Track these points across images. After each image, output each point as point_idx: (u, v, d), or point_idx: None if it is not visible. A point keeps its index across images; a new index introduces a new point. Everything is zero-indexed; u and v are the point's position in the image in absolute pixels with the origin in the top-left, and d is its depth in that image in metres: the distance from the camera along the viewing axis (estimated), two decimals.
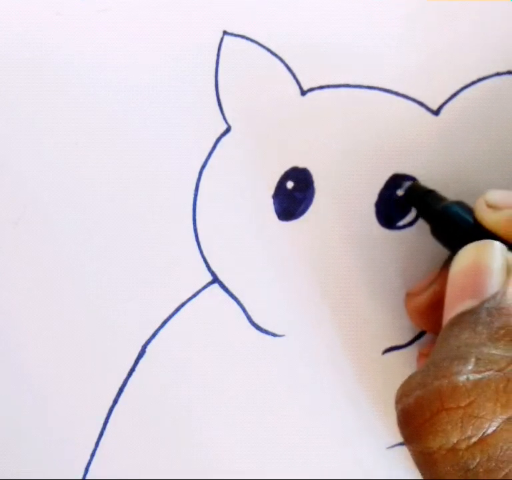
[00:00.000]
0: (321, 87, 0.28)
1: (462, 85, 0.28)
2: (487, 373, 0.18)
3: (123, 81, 0.27)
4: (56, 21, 0.27)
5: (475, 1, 0.28)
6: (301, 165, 0.28)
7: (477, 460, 0.18)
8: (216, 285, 0.29)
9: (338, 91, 0.28)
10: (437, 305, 0.24)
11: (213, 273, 0.29)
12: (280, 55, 0.28)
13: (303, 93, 0.28)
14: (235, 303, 0.29)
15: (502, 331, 0.19)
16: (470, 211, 0.25)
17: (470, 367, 0.18)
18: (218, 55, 0.28)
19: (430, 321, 0.26)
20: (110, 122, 0.28)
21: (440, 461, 0.18)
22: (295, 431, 0.29)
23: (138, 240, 0.28)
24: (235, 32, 0.28)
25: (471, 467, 0.18)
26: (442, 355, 0.19)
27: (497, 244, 0.21)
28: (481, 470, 0.18)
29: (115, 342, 0.28)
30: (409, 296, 0.27)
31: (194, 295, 0.28)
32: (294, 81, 0.28)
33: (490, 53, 0.28)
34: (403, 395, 0.19)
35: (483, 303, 0.20)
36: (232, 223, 0.28)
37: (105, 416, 0.28)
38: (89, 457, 0.28)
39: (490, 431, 0.18)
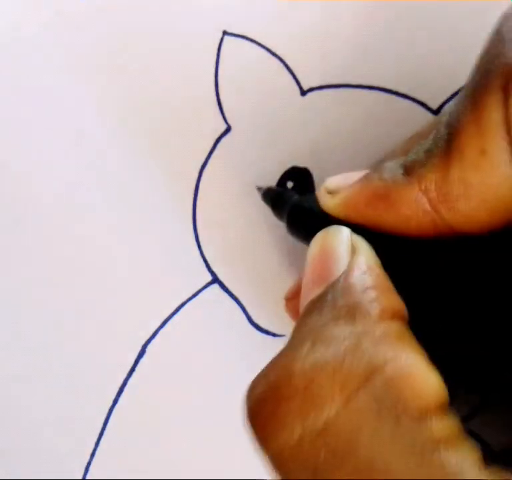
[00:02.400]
0: (321, 87, 0.28)
1: (462, 85, 0.28)
2: (322, 353, 0.17)
3: (122, 80, 0.27)
4: (56, 21, 0.27)
5: (475, 0, 0.28)
6: (301, 165, 0.28)
7: (324, 451, 0.16)
8: (216, 285, 0.29)
9: (338, 91, 0.28)
10: None
11: (212, 273, 0.29)
12: (280, 55, 0.28)
13: (303, 93, 0.28)
14: (235, 303, 0.29)
15: (344, 309, 0.18)
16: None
17: (305, 350, 0.17)
18: (218, 55, 0.28)
19: None
20: (110, 122, 0.28)
21: (289, 460, 0.17)
22: None
23: (138, 240, 0.28)
24: (235, 32, 0.28)
25: (319, 460, 0.16)
26: (288, 343, 0.18)
27: (340, 228, 0.21)
28: (329, 462, 0.16)
29: (114, 342, 0.28)
30: (286, 300, 0.27)
31: (194, 295, 0.28)
32: (294, 81, 0.28)
33: None
34: (248, 392, 0.18)
35: (329, 287, 0.19)
36: (232, 223, 0.29)
37: (105, 416, 0.28)
38: (88, 457, 0.28)
39: (331, 414, 0.16)
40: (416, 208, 0.20)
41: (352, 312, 0.18)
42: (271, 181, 0.28)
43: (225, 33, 0.28)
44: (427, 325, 0.19)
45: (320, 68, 0.28)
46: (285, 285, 0.29)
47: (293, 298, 0.27)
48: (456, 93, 0.28)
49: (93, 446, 0.28)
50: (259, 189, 0.28)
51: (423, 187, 0.20)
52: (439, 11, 0.28)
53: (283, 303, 0.29)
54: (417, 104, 0.29)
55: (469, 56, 0.29)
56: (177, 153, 0.28)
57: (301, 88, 0.28)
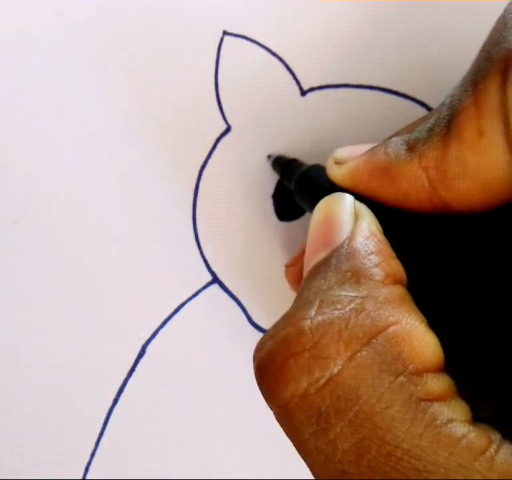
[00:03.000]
0: (321, 87, 0.28)
1: None
2: (329, 314, 0.18)
3: (122, 80, 0.27)
4: (56, 21, 0.27)
5: (475, 0, 0.28)
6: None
7: (327, 402, 0.18)
8: (216, 285, 0.29)
9: (338, 91, 0.28)
10: None
11: (212, 273, 0.29)
12: (280, 55, 0.28)
13: (303, 93, 0.28)
14: (235, 303, 0.29)
15: (349, 274, 0.19)
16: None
17: (313, 311, 0.19)
18: (218, 55, 0.28)
19: None
20: (110, 122, 0.28)
21: (294, 410, 0.18)
22: None
23: (138, 240, 0.28)
24: (235, 32, 0.28)
25: (323, 409, 0.18)
26: (296, 303, 0.20)
27: (344, 195, 0.22)
28: (332, 411, 0.18)
29: (115, 342, 0.28)
30: (287, 268, 0.28)
31: (194, 295, 0.29)
32: (294, 81, 0.28)
33: None
34: (256, 351, 0.19)
35: (333, 251, 0.20)
36: (232, 223, 0.29)
37: (105, 416, 0.28)
38: (88, 457, 0.28)
39: (336, 370, 0.18)
40: (415, 184, 0.21)
41: (356, 276, 0.19)
42: (271, 181, 0.28)
43: (225, 33, 0.28)
44: (423, 294, 0.20)
45: (320, 68, 0.28)
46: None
47: (293, 264, 0.27)
48: None
49: (93, 446, 0.28)
50: (269, 157, 0.28)
51: (423, 164, 0.20)
52: (439, 10, 0.28)
53: (282, 302, 0.29)
54: (417, 104, 0.29)
55: (469, 56, 0.29)
56: (177, 152, 0.28)
57: (300, 88, 0.28)
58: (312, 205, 0.23)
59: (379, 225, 0.21)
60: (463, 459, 0.17)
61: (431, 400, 0.17)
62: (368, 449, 0.17)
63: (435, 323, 0.19)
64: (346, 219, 0.21)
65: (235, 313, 0.29)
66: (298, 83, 0.28)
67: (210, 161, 0.28)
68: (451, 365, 0.18)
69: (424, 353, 0.18)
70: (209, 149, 0.28)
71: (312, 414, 0.18)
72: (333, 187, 0.23)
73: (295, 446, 0.19)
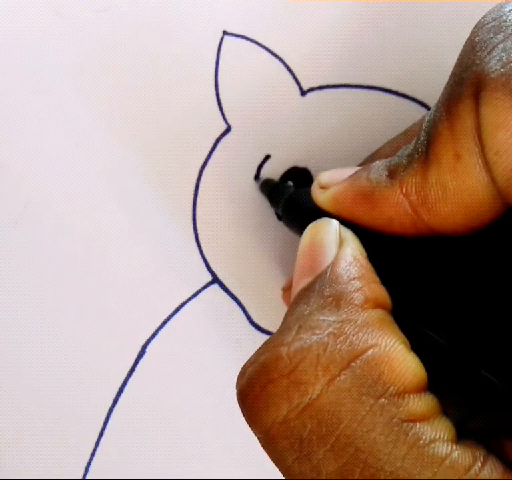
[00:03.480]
0: (321, 87, 0.28)
1: None
2: (307, 339, 0.18)
3: (122, 80, 0.27)
4: (56, 21, 0.27)
5: (475, 1, 0.28)
6: (300, 164, 0.28)
7: (308, 427, 0.18)
8: (216, 285, 0.29)
9: (338, 91, 0.28)
10: None
11: (212, 273, 0.29)
12: (280, 55, 0.28)
13: (303, 93, 0.28)
14: (234, 303, 0.29)
15: (330, 299, 0.19)
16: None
17: (291, 336, 0.19)
18: (218, 55, 0.28)
19: None
20: (110, 122, 0.28)
21: (276, 436, 0.18)
22: None
23: (138, 240, 0.28)
24: (235, 32, 0.28)
25: (304, 435, 0.18)
26: (278, 329, 0.20)
27: (329, 220, 0.22)
28: (313, 437, 0.18)
29: (115, 342, 0.28)
30: (284, 291, 0.28)
31: (194, 295, 0.28)
32: (294, 81, 0.28)
33: None
34: (238, 378, 0.19)
35: (317, 277, 0.20)
36: (232, 223, 0.29)
37: (105, 416, 0.28)
38: (88, 457, 0.28)
39: (315, 395, 0.18)
40: (398, 209, 0.21)
41: (337, 301, 0.19)
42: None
43: (225, 33, 0.28)
44: (408, 316, 0.20)
45: (320, 68, 0.28)
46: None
47: (288, 289, 0.28)
48: None
49: (93, 446, 0.28)
50: (257, 179, 0.28)
51: (404, 190, 0.21)
52: (439, 10, 0.28)
53: (282, 302, 0.29)
54: (417, 104, 0.29)
55: None
56: (177, 152, 0.28)
57: (300, 88, 0.28)
58: (300, 229, 0.23)
59: (363, 250, 0.21)
60: (447, 478, 0.17)
61: (414, 421, 0.17)
62: (352, 473, 0.17)
63: (422, 343, 0.19)
64: (330, 245, 0.21)
65: (235, 313, 0.29)
66: (298, 83, 0.28)
67: (210, 161, 0.28)
68: (438, 383, 0.18)
69: (404, 374, 0.18)
70: (208, 149, 0.28)
71: (294, 440, 0.18)
72: (319, 212, 0.23)
73: (280, 471, 0.19)
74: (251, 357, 0.19)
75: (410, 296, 0.21)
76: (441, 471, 0.17)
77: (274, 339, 0.19)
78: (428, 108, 0.29)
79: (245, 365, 0.19)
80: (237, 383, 0.19)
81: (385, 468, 0.17)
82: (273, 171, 0.28)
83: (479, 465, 0.17)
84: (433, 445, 0.17)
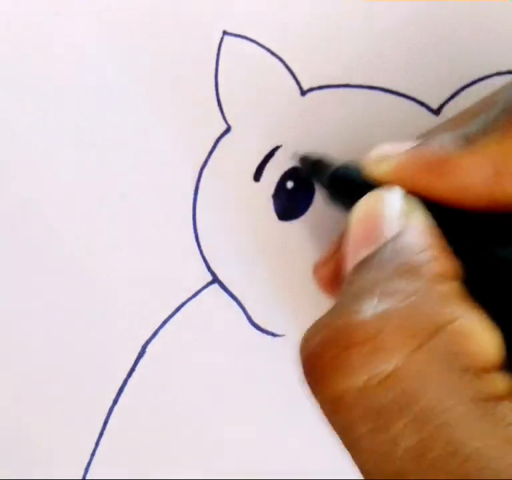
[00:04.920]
0: (321, 87, 0.28)
1: (462, 85, 0.28)
2: (388, 305, 0.17)
3: (122, 80, 0.27)
4: (56, 21, 0.27)
5: (475, 1, 0.28)
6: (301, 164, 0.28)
7: (389, 396, 0.17)
8: (216, 285, 0.29)
9: (338, 91, 0.28)
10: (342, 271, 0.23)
11: (212, 273, 0.29)
12: (280, 55, 0.28)
13: (303, 93, 0.28)
14: (234, 303, 0.29)
15: (403, 268, 0.18)
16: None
17: (375, 301, 0.18)
18: (218, 55, 0.28)
19: (339, 288, 0.24)
20: (110, 122, 0.28)
21: (352, 403, 0.17)
22: (295, 430, 0.29)
23: (138, 240, 0.28)
24: (235, 32, 0.28)
25: (384, 405, 0.17)
26: (347, 296, 0.19)
27: (393, 188, 0.21)
28: (394, 407, 0.17)
29: (115, 342, 0.28)
30: (316, 267, 0.26)
31: (194, 295, 0.28)
32: (294, 81, 0.28)
33: (490, 53, 0.28)
34: (306, 340, 0.18)
35: (382, 246, 0.19)
36: (232, 222, 0.29)
37: (104, 416, 0.28)
38: (88, 457, 0.28)
39: (398, 364, 0.17)
40: (476, 177, 0.20)
41: (412, 270, 0.18)
42: (271, 181, 0.28)
43: (224, 33, 0.28)
44: (479, 293, 0.19)
45: (320, 68, 0.28)
46: (285, 285, 0.29)
47: (323, 265, 0.26)
48: (456, 93, 0.29)
49: (93, 446, 0.28)
50: (295, 155, 0.28)
51: (486, 156, 0.19)
52: (439, 10, 0.28)
53: (282, 302, 0.29)
54: (417, 104, 0.29)
55: (469, 56, 0.29)
56: (177, 152, 0.28)
57: (300, 88, 0.28)
58: (349, 202, 0.22)
59: (433, 220, 0.20)
60: None
61: (497, 399, 0.17)
62: (433, 447, 0.16)
63: (492, 321, 0.18)
64: (396, 213, 0.20)
65: (235, 313, 0.29)
66: (298, 83, 0.28)
67: (210, 161, 0.28)
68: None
69: (488, 350, 0.17)
70: (208, 149, 0.28)
71: (371, 409, 0.17)
72: (371, 186, 0.22)
73: (344, 442, 0.18)
74: (318, 321, 0.18)
75: (480, 273, 0.20)
76: None
77: (349, 304, 0.18)
78: (428, 108, 0.29)
79: (312, 329, 0.18)
80: (302, 347, 0.18)
81: (470, 444, 0.16)
82: (273, 170, 0.28)
83: None
84: None
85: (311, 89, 0.28)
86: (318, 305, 0.29)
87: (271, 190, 0.29)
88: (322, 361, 0.18)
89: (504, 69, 0.28)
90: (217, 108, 0.28)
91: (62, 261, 0.28)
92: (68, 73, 0.27)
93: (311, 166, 0.27)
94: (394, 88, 0.28)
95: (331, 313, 0.18)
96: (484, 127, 0.20)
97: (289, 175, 0.28)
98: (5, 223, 0.27)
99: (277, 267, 0.29)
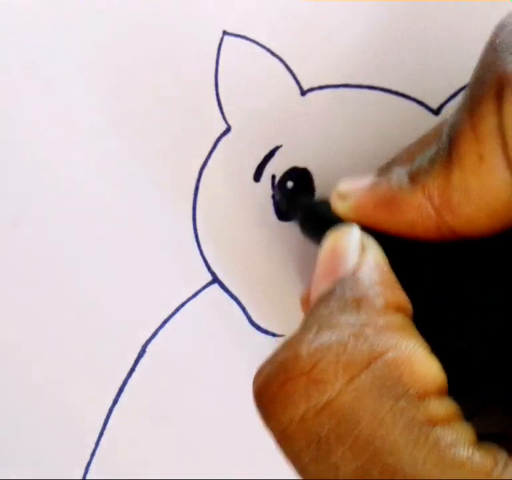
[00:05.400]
0: (321, 87, 0.28)
1: (462, 85, 0.28)
2: (327, 338, 0.18)
3: (122, 80, 0.27)
4: (56, 21, 0.27)
5: (475, 1, 0.28)
6: (300, 164, 0.28)
7: (327, 426, 0.17)
8: (216, 285, 0.29)
9: (338, 91, 0.28)
10: None
11: (213, 273, 0.29)
12: (280, 55, 0.28)
13: (303, 93, 0.28)
14: (234, 303, 0.29)
15: (351, 302, 0.19)
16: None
17: (311, 335, 0.19)
18: (218, 55, 0.28)
19: None
20: (110, 122, 0.28)
21: (293, 435, 0.18)
22: None
23: (138, 240, 0.28)
24: (235, 32, 0.28)
25: (322, 434, 0.17)
26: (297, 330, 0.20)
27: (351, 227, 0.22)
28: (332, 436, 0.17)
29: (115, 342, 0.28)
30: (302, 301, 0.28)
31: (194, 295, 0.28)
32: (294, 81, 0.28)
33: None
34: (255, 377, 0.19)
35: (338, 281, 0.20)
36: (232, 222, 0.29)
37: (105, 416, 0.28)
38: (88, 457, 0.28)
39: (334, 394, 0.18)
40: (421, 213, 0.21)
41: (358, 303, 0.19)
42: (271, 181, 0.28)
43: (225, 33, 0.28)
44: (430, 322, 0.20)
45: (320, 68, 0.28)
46: (285, 284, 0.29)
47: (307, 299, 0.27)
48: (456, 93, 0.29)
49: (93, 446, 0.28)
50: (257, 179, 0.28)
51: (426, 194, 0.21)
52: (439, 10, 0.28)
53: (282, 302, 0.29)
54: (417, 104, 0.29)
55: (469, 56, 0.29)
56: (177, 152, 0.28)
57: (300, 88, 0.28)
58: (318, 238, 0.23)
59: (385, 256, 0.21)
60: None
61: (434, 424, 0.17)
62: (370, 473, 0.17)
63: (442, 349, 0.19)
64: (352, 250, 0.21)
65: (235, 313, 0.29)
66: (298, 83, 0.28)
67: (210, 161, 0.28)
68: (458, 389, 0.18)
69: (425, 376, 0.18)
70: (208, 149, 0.28)
71: (311, 439, 0.18)
72: (338, 221, 0.23)
73: (295, 471, 0.19)
74: (269, 355, 0.19)
75: (431, 302, 0.21)
76: (462, 474, 0.17)
77: (293, 338, 0.19)
78: (428, 108, 0.29)
79: (262, 364, 0.19)
80: (253, 381, 0.19)
81: (404, 469, 0.17)
82: (273, 170, 0.28)
83: (501, 467, 0.17)
84: (453, 449, 0.17)
85: (311, 89, 0.28)
86: None
87: (271, 190, 0.29)
88: (266, 395, 0.19)
89: None
90: (217, 108, 0.28)
91: (61, 261, 0.28)
92: (67, 73, 0.27)
93: (287, 201, 0.28)
94: (394, 88, 0.28)
95: (278, 348, 0.19)
96: (425, 163, 0.21)
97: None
98: (5, 223, 0.27)
99: (276, 267, 0.29)
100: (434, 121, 0.29)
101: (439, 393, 0.18)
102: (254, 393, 0.19)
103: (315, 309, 0.20)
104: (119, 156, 0.28)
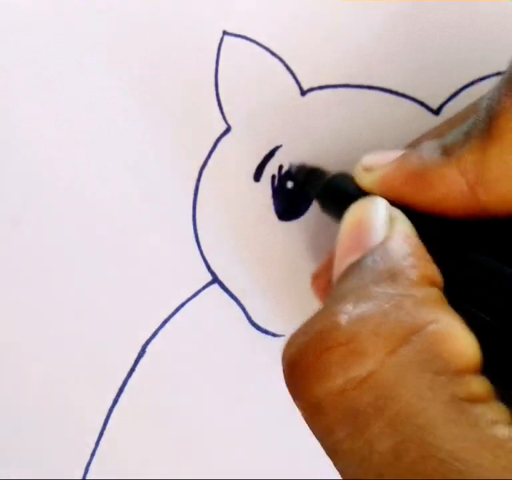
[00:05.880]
0: (321, 87, 0.28)
1: (462, 85, 0.28)
2: (367, 309, 0.18)
3: (122, 80, 0.27)
4: (56, 21, 0.27)
5: (475, 1, 0.28)
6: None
7: (365, 400, 0.17)
8: (216, 285, 0.29)
9: (338, 91, 0.28)
10: None
11: (212, 273, 0.29)
12: (280, 54, 0.28)
13: (303, 93, 0.28)
14: (234, 303, 0.29)
15: (385, 273, 0.19)
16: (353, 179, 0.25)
17: (350, 305, 0.18)
18: (218, 55, 0.28)
19: None
20: (110, 121, 0.28)
21: (328, 408, 0.17)
22: (295, 430, 0.29)
23: (138, 240, 0.28)
24: (235, 32, 0.28)
25: (361, 409, 0.17)
26: (328, 302, 0.19)
27: (378, 199, 0.22)
28: (370, 410, 0.17)
29: (115, 342, 0.28)
30: (313, 277, 0.27)
31: (194, 295, 0.28)
32: (294, 81, 0.28)
33: (490, 53, 0.28)
34: (287, 345, 0.19)
35: (368, 253, 0.20)
36: (232, 223, 0.29)
37: (105, 416, 0.28)
38: (88, 457, 0.28)
39: (374, 367, 0.17)
40: (453, 188, 0.20)
41: (393, 275, 0.19)
42: (271, 181, 0.28)
43: (225, 33, 0.28)
44: (458, 298, 0.20)
45: (320, 68, 0.28)
46: (285, 284, 0.29)
47: (319, 276, 0.27)
48: (456, 93, 0.28)
49: (93, 446, 0.28)
50: (291, 166, 0.28)
51: (461, 168, 0.20)
52: (439, 10, 0.28)
53: (282, 302, 0.29)
54: (417, 104, 0.29)
55: (469, 56, 0.29)
56: (177, 152, 0.28)
57: (301, 88, 0.28)
58: (339, 212, 0.22)
59: (414, 229, 0.21)
60: (509, 462, 0.16)
61: (474, 401, 0.17)
62: (408, 451, 0.16)
63: (471, 326, 0.18)
64: (380, 222, 0.21)
65: (235, 313, 0.29)
66: (298, 83, 0.28)
67: (210, 161, 0.28)
68: (486, 369, 0.18)
69: (465, 353, 0.17)
70: (209, 149, 0.28)
71: (348, 413, 0.17)
72: (360, 195, 0.23)
73: (324, 446, 0.18)
74: (301, 326, 0.19)
75: (460, 277, 0.20)
76: (503, 453, 0.16)
77: (329, 308, 0.18)
78: (428, 108, 0.29)
79: (293, 335, 0.19)
80: (284, 352, 0.18)
81: (444, 447, 0.16)
82: (273, 170, 0.28)
83: None
84: (494, 427, 0.16)
85: (311, 89, 0.28)
86: (317, 305, 0.29)
87: (271, 190, 0.29)
88: (300, 366, 0.18)
89: (504, 69, 0.28)
90: (217, 108, 0.28)
91: (61, 261, 0.28)
92: (67, 73, 0.27)
93: (305, 176, 0.27)
94: (394, 88, 0.28)
95: (311, 319, 0.19)
96: (461, 137, 0.21)
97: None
98: (5, 223, 0.27)
99: (276, 267, 0.29)
100: (434, 121, 0.29)
101: (476, 371, 0.17)
102: (285, 364, 0.18)
103: (343, 280, 0.19)
104: (119, 156, 0.28)
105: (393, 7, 0.28)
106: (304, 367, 0.18)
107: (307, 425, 0.18)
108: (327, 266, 0.26)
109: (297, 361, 0.18)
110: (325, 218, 0.28)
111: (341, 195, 0.24)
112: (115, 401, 0.28)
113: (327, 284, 0.26)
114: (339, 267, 0.20)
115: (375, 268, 0.19)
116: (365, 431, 0.17)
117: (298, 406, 0.18)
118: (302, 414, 0.18)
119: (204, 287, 0.29)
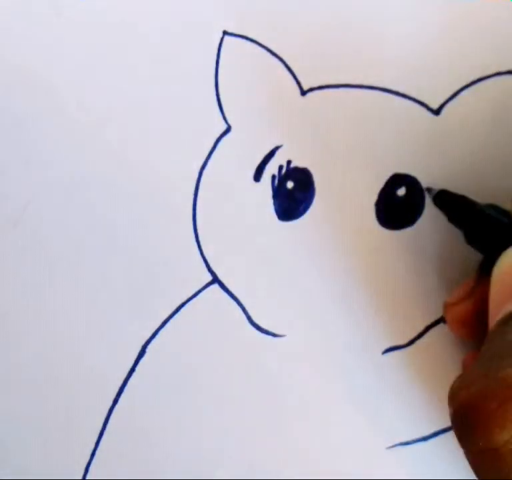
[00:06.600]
0: (321, 87, 0.28)
1: (462, 85, 0.28)
2: None
3: (122, 80, 0.28)
4: (56, 21, 0.27)
5: (475, 1, 0.28)
6: (300, 165, 0.28)
7: None
8: (216, 285, 0.29)
9: (338, 91, 0.28)
10: (480, 313, 0.23)
11: (212, 273, 0.29)
12: (280, 54, 0.28)
13: (303, 93, 0.28)
14: (234, 303, 0.29)
15: None
16: (505, 213, 0.24)
17: None
18: (218, 55, 0.28)
19: (473, 329, 0.25)
20: (110, 122, 0.28)
21: (507, 456, 0.17)
22: (295, 430, 0.29)
23: (138, 240, 0.28)
24: (235, 32, 0.28)
25: None
26: (492, 353, 0.19)
27: None
28: None
29: (115, 342, 0.28)
30: (449, 306, 0.26)
31: (194, 295, 0.28)
32: (294, 81, 0.28)
33: (490, 53, 0.28)
34: (458, 390, 0.18)
35: None
36: (232, 223, 0.29)
37: (104, 416, 0.28)
38: (88, 457, 0.28)
39: None
40: None
41: None
42: (271, 181, 0.28)
43: (225, 33, 0.28)
44: None
45: (320, 68, 0.28)
46: (285, 284, 0.29)
47: (456, 304, 0.26)
48: (456, 93, 0.28)
49: (92, 446, 0.28)
50: (429, 190, 0.27)
51: None
52: (439, 10, 0.28)
53: (282, 302, 0.29)
54: (417, 104, 0.29)
55: (469, 56, 0.29)
56: (177, 153, 0.28)
57: (301, 88, 0.28)
58: (487, 247, 0.22)
59: None
60: None
61: None
62: None
63: None
64: None
65: (235, 313, 0.29)
66: (298, 83, 0.28)
67: (210, 161, 0.28)
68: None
69: None
70: (209, 149, 0.28)
71: None
72: None
73: None
74: (473, 371, 0.19)
75: None
76: None
77: (502, 359, 0.18)
78: (428, 108, 0.29)
79: (466, 378, 0.19)
80: (454, 393, 0.18)
81: None
82: (273, 170, 0.28)
83: None
84: None
85: (311, 89, 0.28)
86: (317, 305, 0.29)
87: (271, 190, 0.29)
88: (479, 413, 0.18)
89: (504, 69, 0.28)
90: (217, 108, 0.28)
91: (61, 261, 0.28)
92: (67, 72, 0.27)
93: (452, 203, 0.26)
94: (394, 88, 0.28)
95: (481, 367, 0.19)
96: None
97: (288, 175, 0.28)
98: (5, 223, 0.27)
99: (276, 267, 0.29)
100: (434, 120, 0.29)
101: None
102: (456, 409, 0.18)
103: (506, 328, 0.19)
104: (119, 156, 0.28)
105: (393, 7, 0.28)
106: (486, 411, 0.18)
107: (473, 468, 0.18)
108: (465, 297, 0.25)
109: (474, 408, 0.18)
110: (325, 219, 0.28)
111: (493, 228, 0.24)
112: (115, 401, 0.28)
113: (465, 314, 0.25)
114: (496, 312, 0.20)
115: None
116: None
117: (469, 449, 0.18)
118: (473, 458, 0.18)
119: (204, 287, 0.29)
